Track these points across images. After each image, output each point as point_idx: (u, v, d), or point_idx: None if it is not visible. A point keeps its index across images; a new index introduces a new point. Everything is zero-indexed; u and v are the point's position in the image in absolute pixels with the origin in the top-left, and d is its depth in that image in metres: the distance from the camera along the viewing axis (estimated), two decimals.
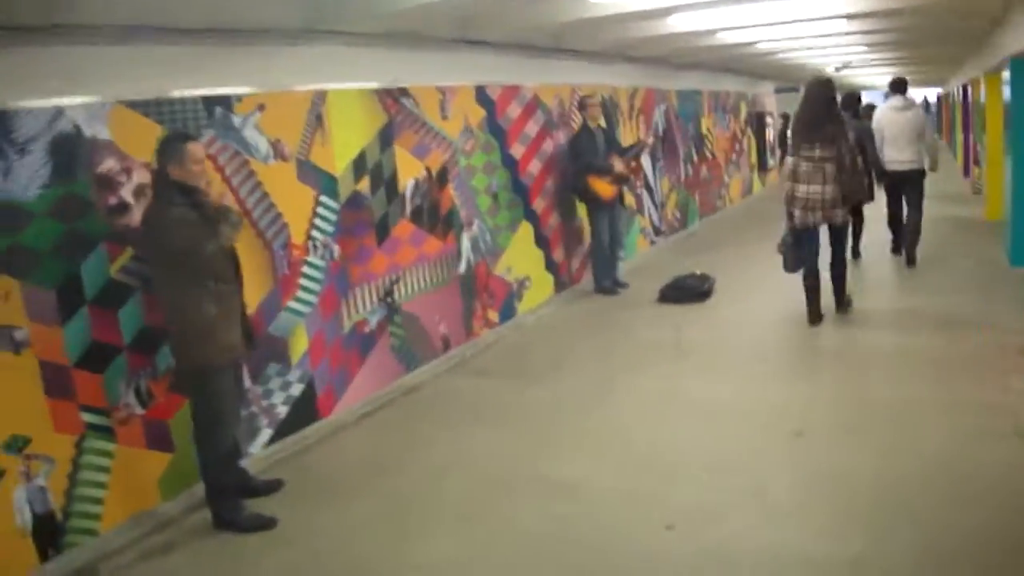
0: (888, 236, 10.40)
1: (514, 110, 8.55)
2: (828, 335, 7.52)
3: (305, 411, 5.98)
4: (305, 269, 6.02)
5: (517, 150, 8.62)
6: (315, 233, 6.10)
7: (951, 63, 17.40)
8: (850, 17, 8.85)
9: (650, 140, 10.95)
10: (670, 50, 11.00)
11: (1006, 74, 9.64)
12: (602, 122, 9.78)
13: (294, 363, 5.89)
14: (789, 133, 8.22)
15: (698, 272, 9.33)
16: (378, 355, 6.67)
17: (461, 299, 7.70)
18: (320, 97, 6.18)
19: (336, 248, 6.26)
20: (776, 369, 6.73)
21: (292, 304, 5.89)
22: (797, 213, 7.40)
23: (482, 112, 8.02)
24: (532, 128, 8.89)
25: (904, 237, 9.90)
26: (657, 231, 12.49)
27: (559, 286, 9.48)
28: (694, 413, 5.86)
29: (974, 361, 6.42)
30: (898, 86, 9.99)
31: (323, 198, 6.17)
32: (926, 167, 9.82)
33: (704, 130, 14.80)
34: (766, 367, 6.74)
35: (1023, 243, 9.31)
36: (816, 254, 7.55)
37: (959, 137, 20.26)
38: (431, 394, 6.76)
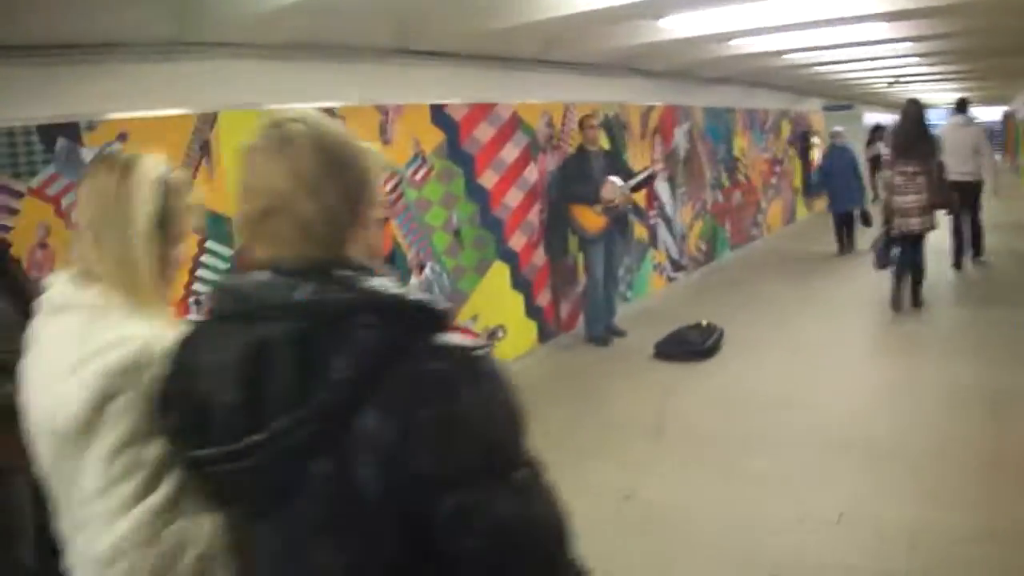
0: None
1: (484, 132, 7.31)
2: (841, 413, 6.09)
3: None
4: None
5: (489, 179, 7.38)
6: (199, 287, 4.96)
7: (1018, 77, 15.93)
8: (890, 18, 7.55)
9: (659, 166, 9.60)
10: (687, 62, 9.75)
11: None
12: (605, 144, 8.57)
13: None
14: (886, 150, 9.57)
15: (704, 323, 7.96)
16: None
17: None
18: (207, 121, 5.06)
19: None
20: (770, 471, 5.16)
21: None
22: (897, 221, 8.46)
23: (440, 135, 6.80)
24: (510, 153, 7.65)
25: (963, 246, 10.74)
26: (677, 266, 11.14)
27: (544, 334, 8.18)
28: (649, 531, 4.52)
29: None
30: (961, 106, 11.07)
31: (210, 244, 5.04)
32: (984, 179, 10.57)
33: (737, 151, 13.43)
34: (758, 465, 5.23)
35: None
36: (912, 255, 8.64)
37: None
38: None
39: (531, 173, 7.97)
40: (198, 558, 1.64)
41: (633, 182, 8.24)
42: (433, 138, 6.75)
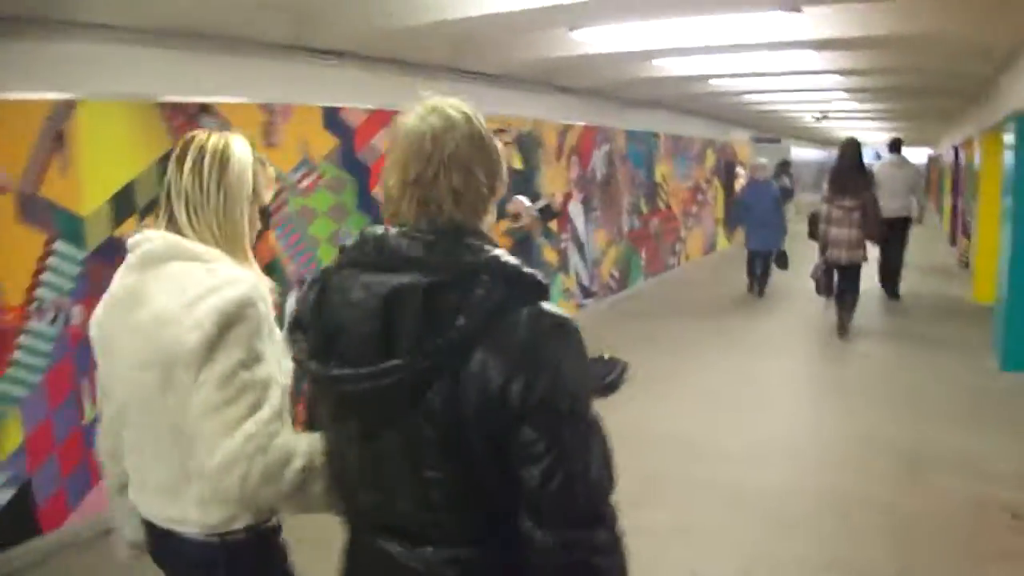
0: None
1: (383, 141, 6.90)
2: (746, 461, 5.76)
3: (15, 525, 4.40)
4: (23, 339, 4.45)
5: None
6: (42, 291, 4.51)
7: (943, 120, 16.03)
8: (819, 47, 7.30)
9: (559, 198, 9.24)
10: (608, 81, 9.44)
11: (1008, 136, 8.06)
12: (516, 162, 8.20)
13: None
14: (825, 185, 9.54)
15: (606, 355, 7.55)
16: None
17: None
18: (63, 109, 4.57)
19: (77, 311, 4.61)
20: (665, 522, 4.81)
21: None
22: (829, 251, 9.01)
23: (333, 141, 6.37)
24: None
25: (891, 277, 11.46)
26: (587, 292, 10.83)
27: None
28: None
29: (943, 528, 4.65)
30: (895, 146, 11.83)
31: (59, 245, 4.57)
32: (913, 216, 11.54)
33: (659, 177, 13.19)
34: (652, 514, 4.80)
35: (1020, 341, 7.41)
36: (842, 287, 9.22)
37: (947, 204, 18.71)
38: None
39: None
40: (301, 469, 1.90)
41: (536, 206, 7.86)
42: (325, 144, 6.30)
